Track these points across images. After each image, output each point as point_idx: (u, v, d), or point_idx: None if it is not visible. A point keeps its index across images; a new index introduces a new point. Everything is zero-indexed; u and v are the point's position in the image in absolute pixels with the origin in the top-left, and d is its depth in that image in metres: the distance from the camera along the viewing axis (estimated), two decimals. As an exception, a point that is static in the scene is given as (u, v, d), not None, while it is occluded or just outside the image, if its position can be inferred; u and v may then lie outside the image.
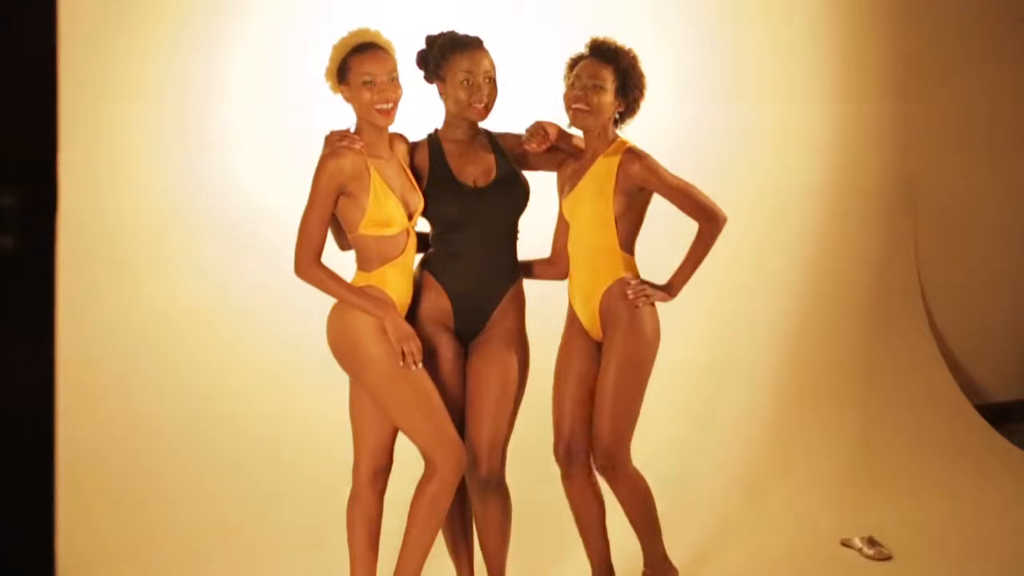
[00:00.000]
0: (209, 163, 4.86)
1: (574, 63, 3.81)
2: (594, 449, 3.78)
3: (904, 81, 6.46)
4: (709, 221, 3.75)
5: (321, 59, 3.67)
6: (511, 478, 3.81)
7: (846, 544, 4.79)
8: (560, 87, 3.83)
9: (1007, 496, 5.45)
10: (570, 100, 3.74)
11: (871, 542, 4.74)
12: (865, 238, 6.36)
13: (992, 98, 6.89)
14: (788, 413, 5.80)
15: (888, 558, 4.68)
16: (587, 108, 3.71)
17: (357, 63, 3.53)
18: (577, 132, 3.86)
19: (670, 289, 3.81)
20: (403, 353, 3.49)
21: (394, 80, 3.56)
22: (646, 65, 3.81)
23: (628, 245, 3.80)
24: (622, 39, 3.81)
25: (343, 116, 3.69)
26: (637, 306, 3.73)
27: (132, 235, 4.73)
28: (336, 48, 3.58)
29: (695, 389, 5.67)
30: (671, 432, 5.45)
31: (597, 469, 3.80)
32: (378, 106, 3.53)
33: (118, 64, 4.67)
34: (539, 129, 3.80)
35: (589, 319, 3.83)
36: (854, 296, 6.29)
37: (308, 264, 3.49)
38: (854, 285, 6.30)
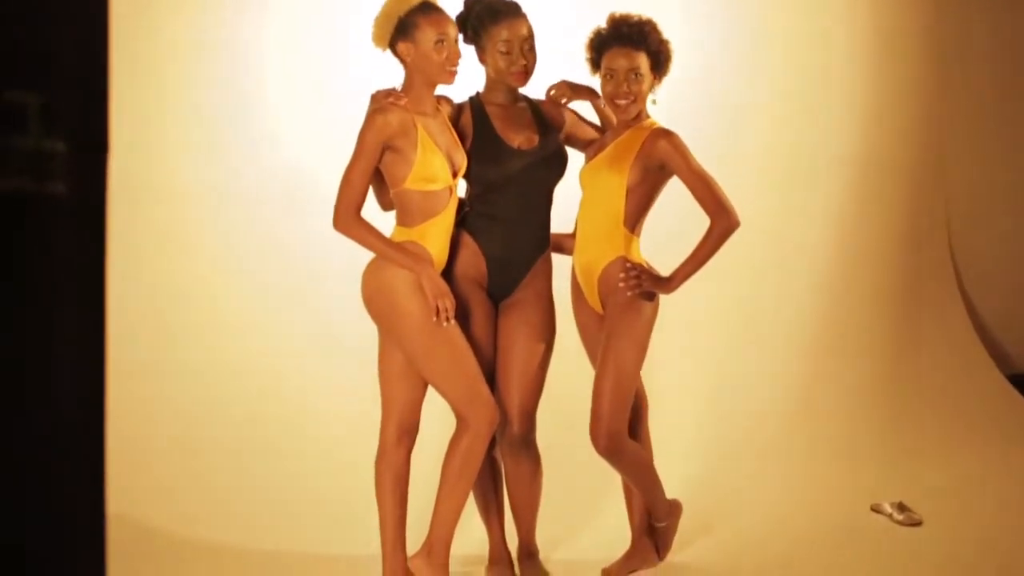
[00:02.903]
0: (254, 127, 4.94)
1: (597, 45, 3.77)
2: (594, 434, 3.71)
3: (937, 53, 6.43)
4: (722, 218, 3.65)
5: (361, 22, 3.68)
6: (541, 438, 3.85)
7: (876, 510, 4.81)
8: (576, 49, 3.83)
9: (1038, 467, 5.45)
10: (612, 96, 3.71)
11: (901, 508, 4.76)
12: (896, 209, 6.34)
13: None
14: (819, 382, 5.80)
15: (918, 523, 4.69)
16: (631, 100, 3.71)
17: (427, 22, 3.55)
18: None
19: (669, 283, 3.71)
20: (437, 309, 3.52)
21: (458, 41, 3.61)
22: (675, 36, 3.80)
23: (633, 223, 3.76)
24: (637, 8, 3.78)
25: (386, 79, 3.71)
26: (628, 294, 3.70)
27: (179, 185, 4.81)
28: (395, 3, 3.57)
29: (725, 356, 5.67)
30: (701, 400, 5.47)
31: (599, 452, 3.73)
32: (449, 67, 3.57)
33: (168, 21, 4.74)
34: (562, 84, 3.87)
35: (590, 293, 3.83)
36: (886, 267, 6.28)
37: (348, 217, 3.52)
38: (886, 256, 6.28)
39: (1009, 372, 6.50)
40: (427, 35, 3.54)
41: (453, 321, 3.56)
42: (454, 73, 3.59)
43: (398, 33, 3.57)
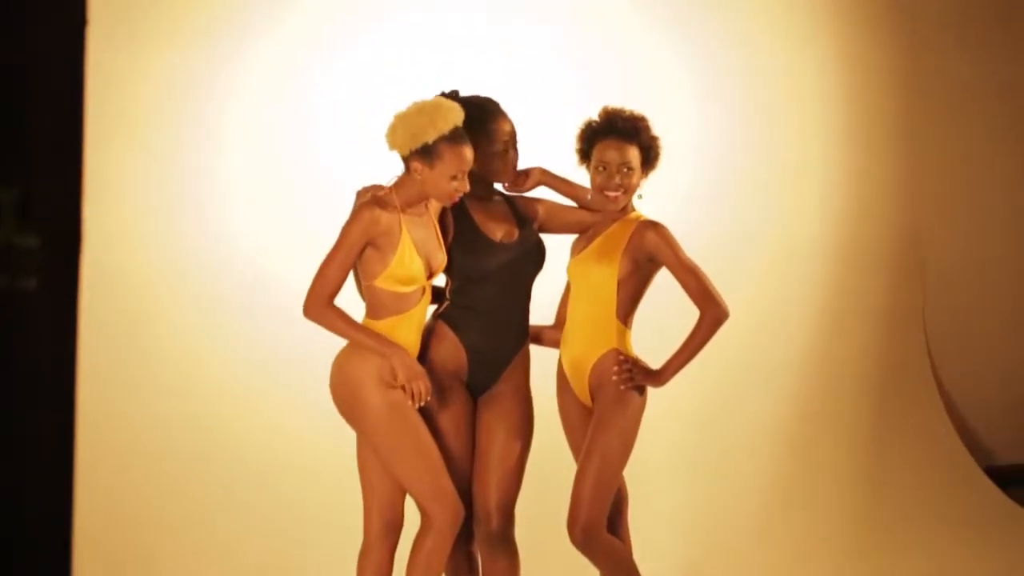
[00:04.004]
0: (226, 218, 4.95)
1: (589, 136, 3.79)
2: (571, 522, 3.69)
3: (913, 137, 6.50)
4: (710, 309, 3.67)
5: (338, 121, 3.68)
6: (519, 533, 3.80)
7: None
8: (565, 136, 3.85)
9: (1015, 559, 5.42)
10: (602, 187, 3.73)
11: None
12: (873, 296, 6.37)
13: (1004, 154, 6.93)
14: (792, 474, 5.78)
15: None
16: (621, 192, 3.73)
17: (451, 156, 3.49)
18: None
19: (660, 376, 3.72)
20: (412, 393, 3.49)
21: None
22: (656, 121, 3.84)
23: (625, 316, 3.76)
24: (631, 104, 3.82)
25: (359, 177, 3.72)
26: (620, 388, 3.70)
27: (151, 282, 4.80)
28: (428, 123, 3.48)
29: (700, 442, 5.65)
30: (679, 496, 5.44)
31: (574, 544, 3.71)
32: (456, 196, 3.56)
33: (142, 115, 4.77)
34: (519, 173, 3.81)
35: (579, 386, 3.81)
36: (861, 355, 6.29)
37: (320, 305, 3.48)
38: (861, 344, 6.30)
39: (986, 464, 6.49)
40: (446, 167, 3.50)
41: (418, 415, 3.53)
42: (455, 201, 3.60)
43: (418, 152, 3.51)
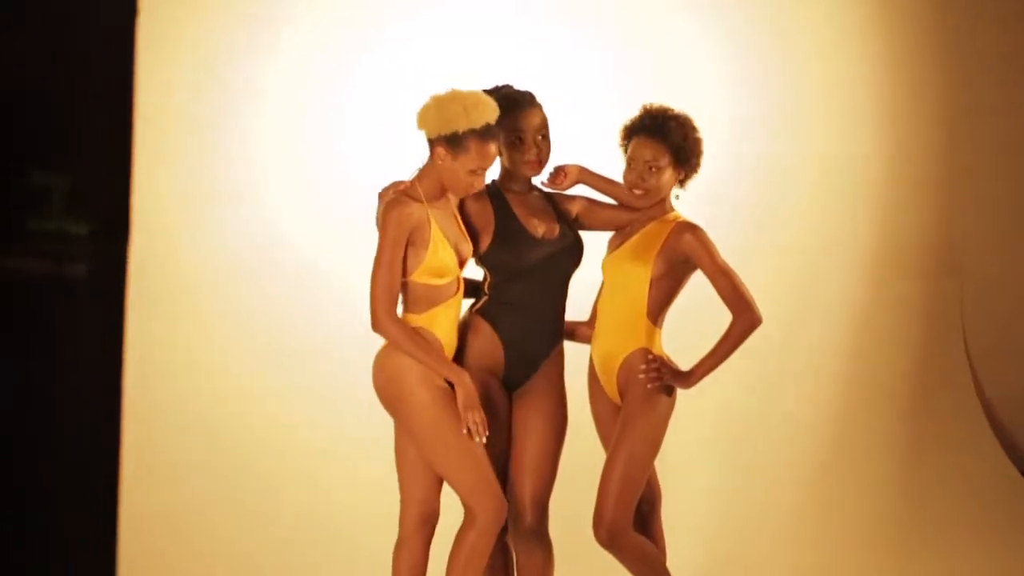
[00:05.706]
0: (271, 216, 5.01)
1: (629, 132, 3.81)
2: (596, 522, 3.70)
3: (951, 140, 6.47)
4: (744, 315, 3.67)
5: (372, 112, 3.70)
6: (553, 528, 3.82)
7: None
8: (610, 137, 3.87)
9: (1053, 563, 5.40)
10: (630, 185, 3.75)
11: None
12: (910, 299, 6.34)
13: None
14: (826, 475, 5.77)
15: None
16: (645, 191, 3.74)
17: (477, 150, 3.52)
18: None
19: (689, 377, 3.72)
20: (467, 424, 3.51)
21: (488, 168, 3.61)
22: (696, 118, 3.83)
23: (656, 315, 3.76)
24: (673, 103, 3.82)
25: (393, 173, 3.74)
26: (647, 386, 3.71)
27: (198, 271, 4.86)
28: (463, 113, 3.49)
29: (733, 440, 5.65)
30: (708, 480, 5.44)
31: (600, 543, 3.72)
32: (471, 191, 3.59)
33: (190, 106, 4.84)
34: (558, 170, 3.85)
35: (608, 384, 3.82)
36: (898, 358, 6.26)
37: (386, 318, 3.50)
38: (898, 347, 6.27)
39: (1024, 468, 6.46)
40: (469, 160, 3.52)
41: (483, 440, 3.55)
42: (471, 194, 3.63)
43: (446, 138, 3.53)
